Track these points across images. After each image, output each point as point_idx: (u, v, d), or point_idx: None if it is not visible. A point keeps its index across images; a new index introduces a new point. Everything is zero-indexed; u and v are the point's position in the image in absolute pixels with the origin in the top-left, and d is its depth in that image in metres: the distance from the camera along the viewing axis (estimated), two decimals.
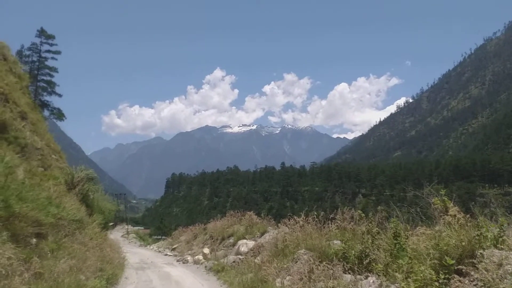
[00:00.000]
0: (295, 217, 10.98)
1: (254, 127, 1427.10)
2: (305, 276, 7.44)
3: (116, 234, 44.99)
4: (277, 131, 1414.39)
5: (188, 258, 17.87)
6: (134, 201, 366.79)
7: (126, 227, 61.12)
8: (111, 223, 33.84)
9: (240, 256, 13.17)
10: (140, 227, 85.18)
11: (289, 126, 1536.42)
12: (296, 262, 8.50)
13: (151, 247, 30.83)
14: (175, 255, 20.88)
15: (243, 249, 13.79)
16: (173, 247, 24.76)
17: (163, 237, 48.17)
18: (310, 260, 7.95)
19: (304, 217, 10.54)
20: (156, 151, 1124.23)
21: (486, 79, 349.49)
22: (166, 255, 22.04)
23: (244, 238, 15.33)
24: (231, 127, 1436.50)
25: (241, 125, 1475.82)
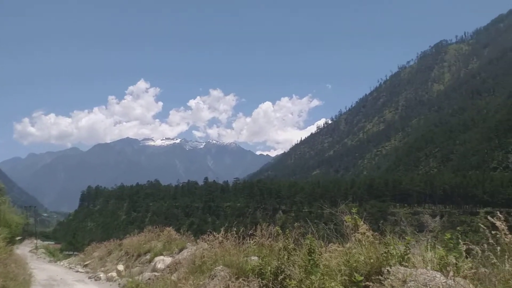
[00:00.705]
0: (215, 233, 10.92)
1: (178, 141, 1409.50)
2: None
3: (23, 249, 42.15)
4: (202, 146, 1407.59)
5: (101, 275, 17.08)
6: (45, 214, 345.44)
7: (35, 241, 57.38)
8: (19, 237, 31.63)
9: (156, 273, 12.82)
10: (50, 242, 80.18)
11: (214, 141, 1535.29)
12: (213, 278, 8.43)
13: (62, 263, 29.13)
14: (87, 272, 19.87)
15: (160, 265, 13.44)
16: (85, 263, 23.58)
17: (75, 252, 45.76)
18: (226, 277, 7.93)
19: (224, 233, 10.51)
20: (72, 162, 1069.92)
21: (399, 105, 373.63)
22: (77, 271, 20.90)
23: (162, 254, 14.95)
24: (153, 140, 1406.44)
25: (164, 138, 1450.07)
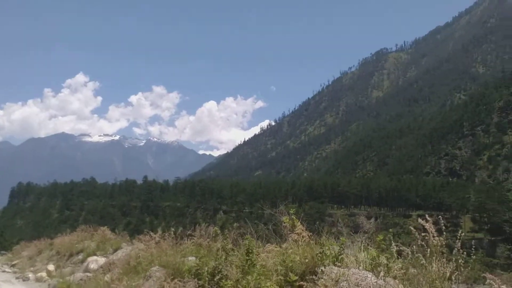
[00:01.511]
0: (151, 233, 10.66)
1: (117, 137, 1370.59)
2: None
3: None
4: (142, 144, 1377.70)
5: (30, 275, 16.20)
6: None
7: None
8: None
9: (88, 274, 12.34)
10: None
11: (155, 139, 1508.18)
12: (148, 279, 8.21)
13: None
14: (15, 272, 18.79)
15: (93, 266, 12.96)
16: (13, 263, 22.28)
17: (2, 252, 43.23)
18: (162, 277, 7.75)
19: (161, 233, 10.29)
20: (1, 156, 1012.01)
21: (340, 109, 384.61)
22: (4, 271, 19.71)
23: (95, 254, 14.43)
24: (90, 136, 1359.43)
25: (102, 134, 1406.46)
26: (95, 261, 13.26)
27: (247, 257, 6.61)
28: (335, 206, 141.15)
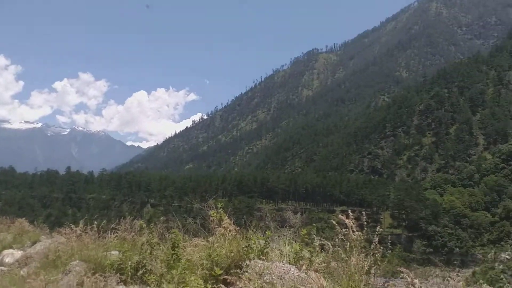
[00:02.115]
0: (73, 226, 10.20)
1: (39, 125, 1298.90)
2: None
3: None
4: (66, 133, 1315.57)
5: None
6: None
7: None
8: None
9: (3, 268, 11.56)
10: None
11: (80, 128, 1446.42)
12: (67, 274, 7.86)
13: None
14: None
15: (8, 259, 12.16)
16: None
17: None
18: (82, 272, 7.46)
19: (83, 226, 9.87)
20: None
21: (271, 106, 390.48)
22: None
23: (11, 247, 13.57)
24: (10, 123, 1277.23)
25: (23, 121, 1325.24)
26: (11, 255, 12.46)
27: (173, 251, 6.54)
28: (264, 201, 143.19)
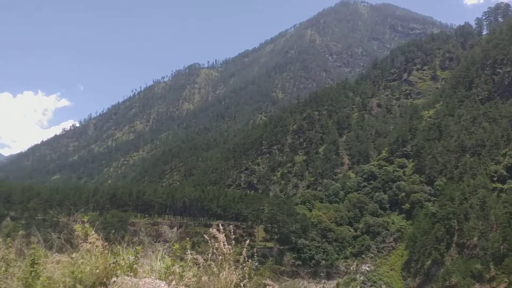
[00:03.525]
0: None
1: None
2: None
3: None
4: None
5: None
6: None
7: None
8: None
9: None
10: None
11: None
12: None
13: None
14: None
15: None
16: None
17: None
18: None
19: None
20: None
21: (151, 117, 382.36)
22: None
23: None
24: None
25: None
26: None
27: (32, 268, 6.02)
28: (139, 215, 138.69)
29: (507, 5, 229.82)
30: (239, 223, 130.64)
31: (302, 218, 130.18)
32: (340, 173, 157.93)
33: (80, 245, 6.03)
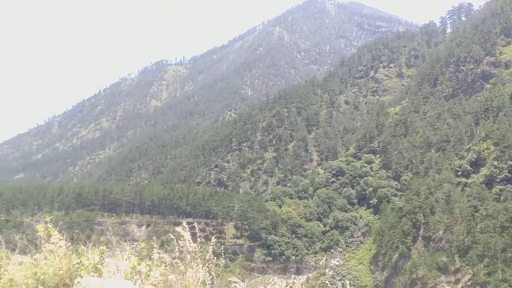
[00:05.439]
0: None
1: None
2: None
3: None
4: None
5: None
6: None
7: None
8: None
9: None
10: None
11: None
12: None
13: None
14: None
15: None
16: None
17: None
18: None
19: None
20: None
21: (117, 115, 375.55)
22: None
23: None
24: None
25: None
26: None
27: None
28: (106, 214, 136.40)
29: (470, 4, 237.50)
30: (209, 220, 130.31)
31: (272, 215, 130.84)
32: (309, 169, 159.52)
33: (42, 246, 5.88)
